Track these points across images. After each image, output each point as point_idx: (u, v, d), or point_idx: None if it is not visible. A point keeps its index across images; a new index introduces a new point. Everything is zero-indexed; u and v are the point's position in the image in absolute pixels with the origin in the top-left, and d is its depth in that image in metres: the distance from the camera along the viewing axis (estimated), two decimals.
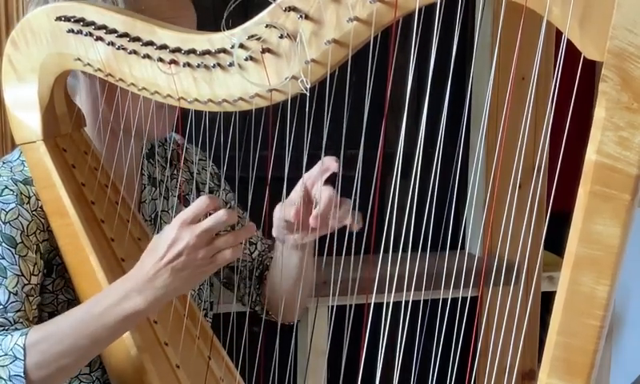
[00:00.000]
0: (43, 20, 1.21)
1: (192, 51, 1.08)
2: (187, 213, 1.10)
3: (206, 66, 1.07)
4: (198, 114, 1.16)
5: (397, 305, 1.07)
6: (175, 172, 1.45)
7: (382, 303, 1.05)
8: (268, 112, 1.08)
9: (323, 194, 1.19)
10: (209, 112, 1.13)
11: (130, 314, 1.12)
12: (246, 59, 1.04)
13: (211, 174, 1.50)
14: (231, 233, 1.12)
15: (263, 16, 1.01)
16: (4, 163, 1.30)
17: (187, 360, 1.26)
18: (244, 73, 1.05)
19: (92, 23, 1.15)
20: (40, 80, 1.25)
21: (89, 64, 1.19)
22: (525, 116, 0.96)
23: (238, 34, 1.03)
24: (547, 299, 2.30)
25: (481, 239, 2.18)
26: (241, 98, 1.08)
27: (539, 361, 0.87)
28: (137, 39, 1.12)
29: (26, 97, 1.26)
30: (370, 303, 1.05)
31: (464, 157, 2.20)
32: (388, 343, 1.04)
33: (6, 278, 1.20)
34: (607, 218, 0.81)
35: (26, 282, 1.21)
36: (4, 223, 1.21)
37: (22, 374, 1.13)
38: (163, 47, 1.10)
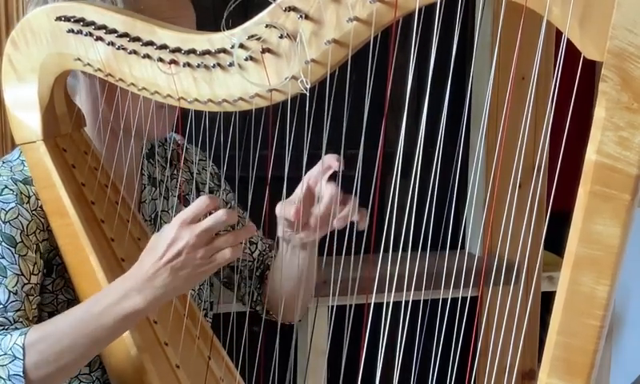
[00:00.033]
0: (43, 20, 1.21)
1: (192, 51, 1.08)
2: (187, 212, 1.10)
3: (205, 66, 1.07)
4: (198, 113, 1.16)
5: (397, 305, 1.07)
6: (175, 172, 1.45)
7: (382, 303, 1.05)
8: (268, 112, 1.08)
9: (326, 191, 1.19)
10: (209, 112, 1.13)
11: (129, 314, 1.12)
12: (246, 59, 1.04)
13: (211, 173, 1.49)
14: (231, 232, 1.12)
15: (263, 16, 1.01)
16: (4, 163, 1.30)
17: (187, 360, 1.25)
18: (244, 73, 1.05)
19: (92, 23, 1.15)
20: (40, 80, 1.25)
21: (89, 64, 1.19)
22: (525, 116, 0.96)
23: (238, 33, 1.03)
24: (547, 299, 2.30)
25: (481, 239, 2.18)
26: (241, 98, 1.08)
27: (539, 361, 0.87)
28: (137, 39, 1.12)
29: (26, 97, 1.26)
30: (370, 303, 1.05)
31: (464, 156, 2.20)
32: (388, 343, 1.04)
33: (5, 277, 1.20)
34: (607, 218, 0.81)
35: (26, 281, 1.21)
36: (4, 222, 1.21)
37: (21, 374, 1.13)
38: (163, 47, 1.10)
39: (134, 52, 1.13)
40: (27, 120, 1.27)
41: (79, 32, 1.17)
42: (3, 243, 1.21)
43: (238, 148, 1.22)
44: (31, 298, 1.22)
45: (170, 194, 1.44)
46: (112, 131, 1.29)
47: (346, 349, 1.18)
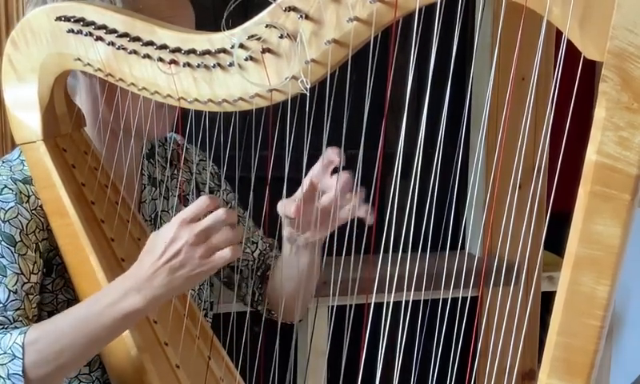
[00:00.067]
0: (43, 20, 1.21)
1: (192, 51, 1.08)
2: (187, 212, 1.10)
3: (206, 66, 1.07)
4: (198, 113, 1.16)
5: (397, 305, 1.07)
6: (175, 172, 1.45)
7: (382, 303, 1.05)
8: (268, 112, 1.08)
9: (339, 180, 1.18)
10: (209, 112, 1.13)
11: (128, 313, 1.12)
12: (246, 59, 1.04)
13: (211, 173, 1.49)
14: (228, 227, 1.11)
15: (263, 16, 1.01)
16: (3, 162, 1.30)
17: (187, 360, 1.25)
18: (244, 73, 1.05)
19: (92, 23, 1.15)
20: (40, 80, 1.25)
21: (89, 64, 1.19)
22: (525, 116, 0.96)
23: (238, 34, 1.03)
24: (547, 299, 2.30)
25: (481, 239, 2.18)
26: (241, 98, 1.07)
27: (539, 361, 0.87)
28: (137, 39, 1.12)
29: (26, 97, 1.26)
30: (370, 303, 1.05)
31: (464, 157, 2.20)
32: (388, 343, 1.04)
33: (5, 276, 1.20)
34: (607, 218, 0.81)
35: (26, 280, 1.21)
36: (3, 222, 1.21)
37: (20, 373, 1.13)
38: (163, 47, 1.10)
39: (134, 52, 1.13)
40: (27, 120, 1.27)
41: (79, 32, 1.17)
42: (3, 242, 1.21)
43: (238, 148, 1.22)
44: (31, 297, 1.22)
45: (170, 194, 1.44)
46: (112, 131, 1.29)
47: (346, 349, 1.18)
